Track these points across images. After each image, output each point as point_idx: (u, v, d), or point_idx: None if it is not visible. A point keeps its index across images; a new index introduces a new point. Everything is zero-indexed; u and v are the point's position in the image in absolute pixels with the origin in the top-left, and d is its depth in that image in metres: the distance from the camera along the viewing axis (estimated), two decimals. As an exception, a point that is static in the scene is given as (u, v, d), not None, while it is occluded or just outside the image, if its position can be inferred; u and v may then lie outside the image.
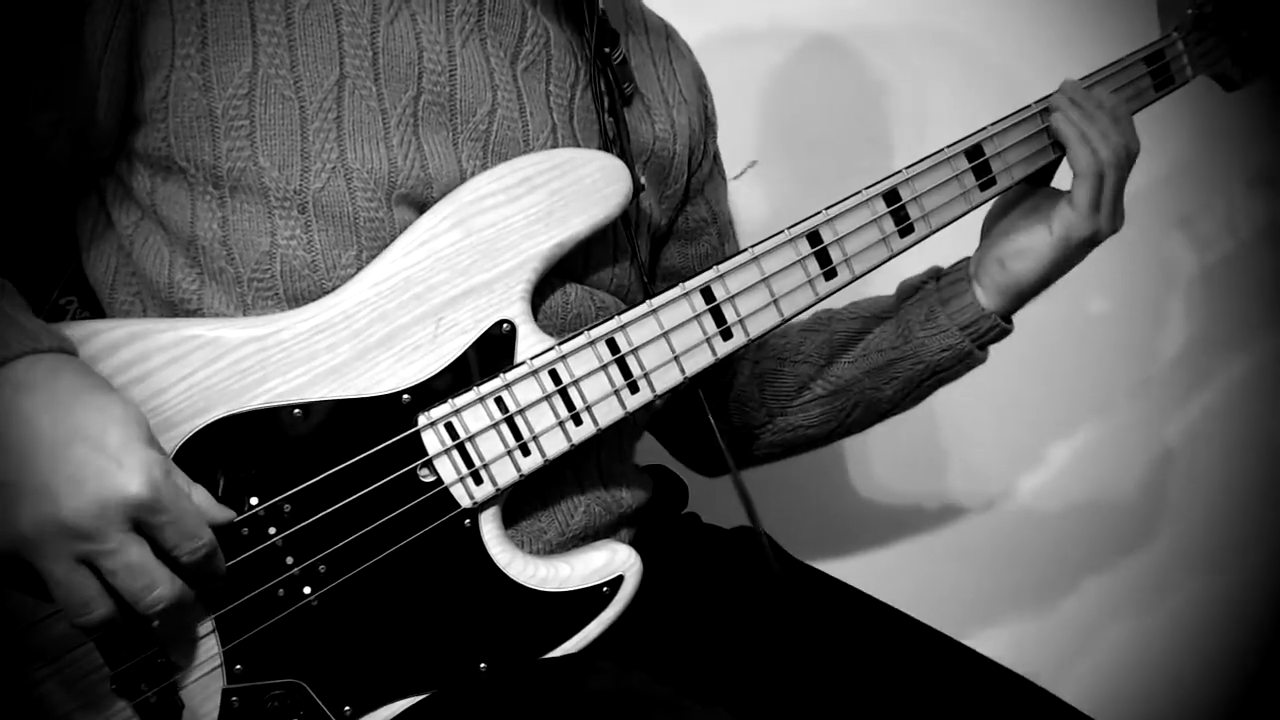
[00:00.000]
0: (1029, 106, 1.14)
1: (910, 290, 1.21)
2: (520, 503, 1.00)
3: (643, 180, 1.08)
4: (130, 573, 0.78)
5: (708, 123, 1.23)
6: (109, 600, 0.79)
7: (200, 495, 0.84)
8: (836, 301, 1.14)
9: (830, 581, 1.16)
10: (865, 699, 1.02)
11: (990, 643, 1.73)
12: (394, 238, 0.93)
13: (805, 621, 1.09)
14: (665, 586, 1.06)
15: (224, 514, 0.86)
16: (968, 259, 1.18)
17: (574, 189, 0.98)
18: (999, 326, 1.16)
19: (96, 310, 0.97)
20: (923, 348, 1.18)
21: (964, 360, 1.18)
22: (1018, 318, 1.18)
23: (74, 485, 0.76)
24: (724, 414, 1.28)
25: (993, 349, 1.19)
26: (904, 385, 1.20)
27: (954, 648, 1.08)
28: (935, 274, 1.20)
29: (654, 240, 1.18)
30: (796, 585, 1.13)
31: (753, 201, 1.63)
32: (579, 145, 1.04)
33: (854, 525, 1.80)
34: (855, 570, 1.67)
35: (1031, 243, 1.13)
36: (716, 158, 1.27)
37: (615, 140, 1.04)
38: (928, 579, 1.78)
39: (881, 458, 1.79)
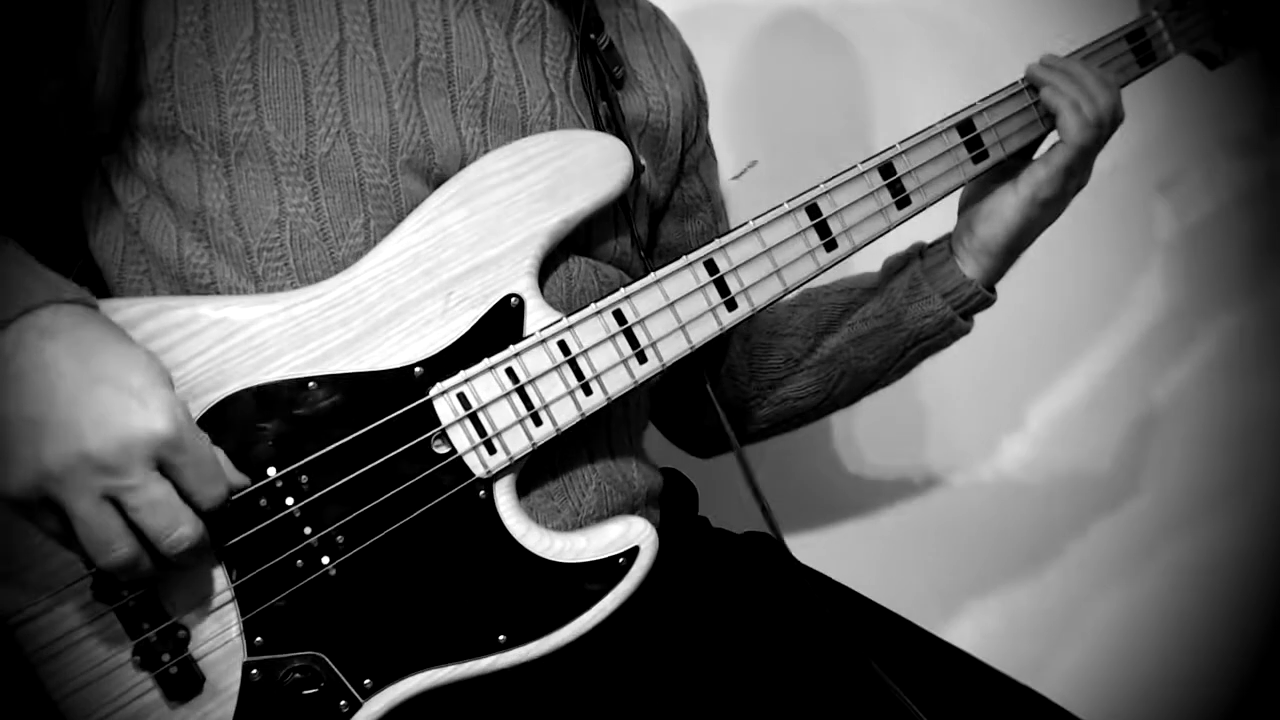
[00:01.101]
0: (1016, 83, 1.17)
1: (896, 264, 1.23)
2: (534, 482, 1.01)
3: (643, 162, 1.11)
4: (153, 510, 0.79)
5: (700, 101, 1.26)
6: (132, 539, 0.80)
7: (219, 457, 0.85)
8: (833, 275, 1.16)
9: (830, 585, 1.17)
10: (866, 706, 1.03)
11: (973, 622, 1.76)
12: (399, 206, 0.95)
13: (808, 628, 1.10)
14: (675, 591, 1.07)
15: (239, 479, 0.87)
16: (951, 232, 1.21)
17: (577, 167, 1.00)
18: (980, 294, 1.18)
19: (107, 294, 0.98)
20: (905, 315, 1.20)
21: (947, 328, 1.20)
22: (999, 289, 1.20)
23: (98, 421, 0.77)
24: (716, 389, 1.28)
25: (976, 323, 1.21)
26: (889, 354, 1.22)
27: (957, 655, 1.10)
28: (919, 248, 1.23)
29: (652, 213, 1.20)
30: (798, 590, 1.14)
31: (750, 196, 1.65)
32: (576, 115, 1.06)
33: (839, 508, 1.82)
34: (843, 554, 1.68)
35: (997, 205, 1.15)
36: (709, 139, 1.29)
37: (610, 122, 1.06)
38: (915, 561, 1.79)
39: (867, 440, 1.80)
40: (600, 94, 1.07)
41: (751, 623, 1.11)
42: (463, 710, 0.96)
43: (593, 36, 1.07)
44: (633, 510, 1.09)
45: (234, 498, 0.86)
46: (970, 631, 1.78)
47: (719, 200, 1.30)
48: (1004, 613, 1.80)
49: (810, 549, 1.23)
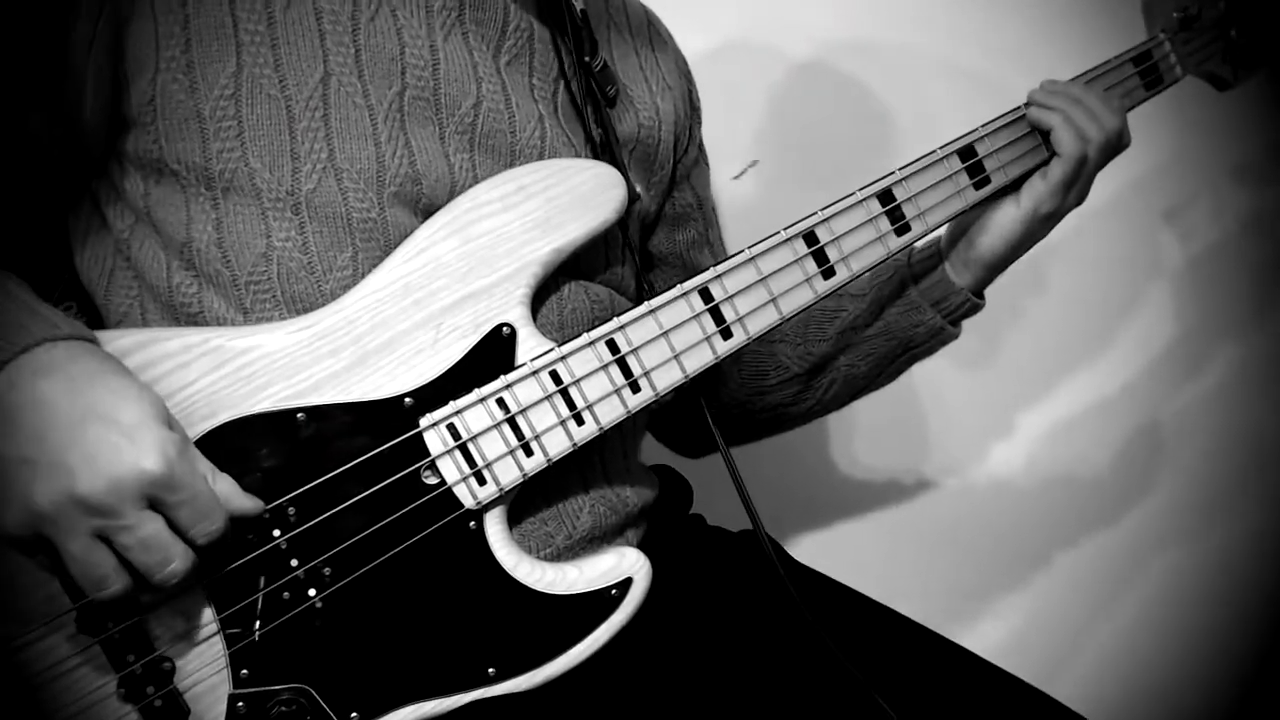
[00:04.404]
0: (1018, 108, 1.16)
1: (883, 268, 1.22)
2: (526, 507, 1.00)
3: (638, 189, 1.10)
4: (145, 547, 0.79)
5: (693, 109, 1.25)
6: (125, 575, 0.80)
7: (225, 484, 0.85)
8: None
9: (827, 582, 1.16)
10: (858, 702, 1.02)
11: (980, 626, 1.75)
12: (387, 239, 0.95)
13: (804, 627, 1.08)
14: (671, 590, 1.06)
15: (251, 503, 0.86)
16: (939, 236, 1.20)
17: (569, 196, 0.99)
18: (969, 302, 1.18)
19: (93, 311, 0.99)
20: (896, 325, 1.19)
21: (936, 336, 1.20)
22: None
23: (89, 462, 0.77)
24: (705, 395, 1.28)
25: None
26: (878, 362, 1.22)
27: (943, 646, 1.08)
28: (907, 252, 1.22)
29: (643, 227, 1.20)
30: (797, 589, 1.12)
31: (753, 202, 1.65)
32: (566, 137, 1.06)
33: (838, 513, 1.81)
34: (848, 557, 1.67)
35: (999, 218, 1.15)
36: (701, 145, 1.28)
37: (605, 145, 1.06)
38: (922, 565, 1.79)
39: (872, 444, 1.80)
40: (595, 117, 1.06)
41: (745, 621, 1.10)
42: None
43: (587, 59, 1.06)
44: (625, 529, 1.08)
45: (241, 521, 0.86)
46: (976, 635, 1.77)
47: (710, 207, 1.30)
48: (1010, 617, 1.80)
49: (815, 552, 1.21)
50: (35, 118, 0.89)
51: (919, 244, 1.21)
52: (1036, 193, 1.13)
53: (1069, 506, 1.80)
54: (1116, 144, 1.14)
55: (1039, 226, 1.15)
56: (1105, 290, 1.77)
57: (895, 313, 1.20)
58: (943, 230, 1.19)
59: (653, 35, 1.22)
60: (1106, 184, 1.15)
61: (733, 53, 1.63)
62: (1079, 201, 1.16)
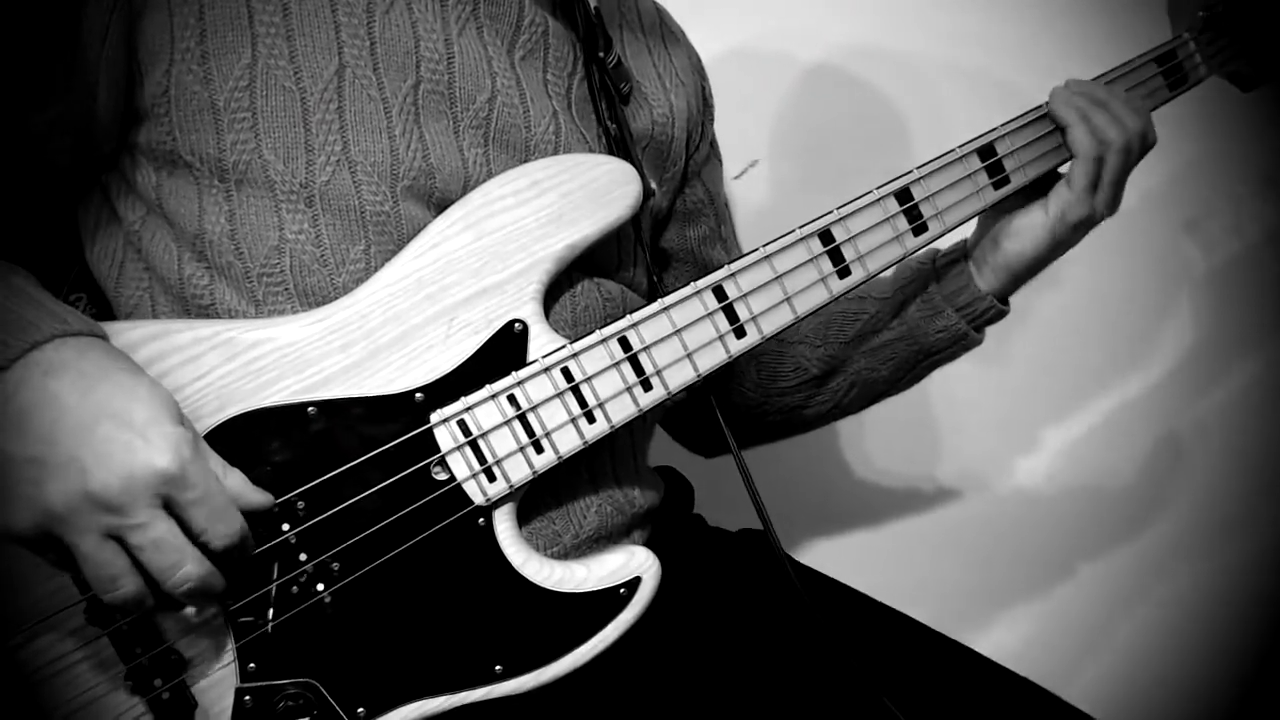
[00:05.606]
0: (1040, 106, 1.14)
1: (907, 271, 1.21)
2: (535, 506, 1.00)
3: (652, 185, 1.09)
4: (157, 549, 0.79)
5: (705, 104, 1.24)
6: (137, 577, 0.80)
7: (236, 479, 0.85)
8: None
9: (832, 584, 1.15)
10: (866, 703, 1.01)
11: (993, 633, 1.74)
12: (400, 233, 0.95)
13: (809, 627, 1.07)
14: (674, 590, 1.05)
15: (261, 497, 0.86)
16: (965, 240, 1.19)
17: (584, 192, 0.98)
18: (995, 308, 1.16)
19: (104, 304, 0.99)
20: (918, 329, 1.18)
21: (960, 341, 1.18)
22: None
23: (101, 459, 0.77)
24: (721, 394, 1.27)
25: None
26: (899, 366, 1.21)
27: (958, 650, 1.07)
28: (932, 255, 1.20)
29: (654, 224, 1.19)
30: (800, 590, 1.12)
31: (764, 204, 1.64)
32: (580, 133, 1.05)
33: (851, 516, 1.81)
34: (852, 561, 1.67)
35: (1027, 222, 1.13)
36: (713, 141, 1.27)
37: (619, 141, 1.05)
38: (928, 570, 1.78)
39: (886, 448, 1.79)
40: (610, 113, 1.06)
41: (745, 620, 1.10)
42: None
43: (601, 55, 1.05)
44: (631, 530, 1.08)
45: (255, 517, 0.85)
46: (988, 642, 1.76)
47: (722, 203, 1.29)
48: (1022, 624, 1.79)
49: (825, 556, 1.20)
50: (45, 114, 0.89)
51: (945, 249, 1.19)
52: (1063, 199, 1.11)
53: (1083, 513, 1.79)
54: (1140, 145, 1.12)
55: (1068, 234, 1.12)
56: (1125, 298, 1.75)
57: (917, 315, 1.18)
58: (970, 236, 1.18)
59: (665, 32, 1.21)
60: (1128, 189, 1.13)
61: (741, 57, 1.62)
62: (1110, 209, 1.13)
